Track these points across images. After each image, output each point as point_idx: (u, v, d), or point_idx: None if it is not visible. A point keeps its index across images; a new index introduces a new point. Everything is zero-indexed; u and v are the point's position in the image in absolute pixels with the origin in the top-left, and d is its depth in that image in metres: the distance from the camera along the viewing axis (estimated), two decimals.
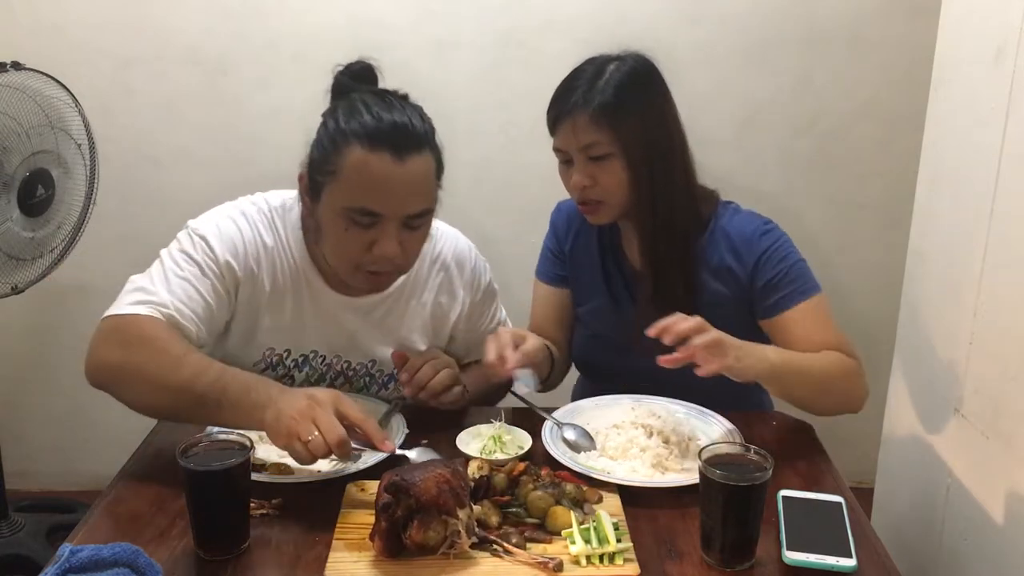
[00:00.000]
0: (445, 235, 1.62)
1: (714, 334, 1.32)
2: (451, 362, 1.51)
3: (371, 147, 1.32)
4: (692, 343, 1.29)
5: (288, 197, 1.52)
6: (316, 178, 1.38)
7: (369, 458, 1.32)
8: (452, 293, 1.60)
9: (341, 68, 1.44)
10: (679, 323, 1.31)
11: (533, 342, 1.48)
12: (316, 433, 1.18)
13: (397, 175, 1.33)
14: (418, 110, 1.41)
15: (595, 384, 1.69)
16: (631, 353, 1.45)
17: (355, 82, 1.43)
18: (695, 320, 1.32)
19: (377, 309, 1.54)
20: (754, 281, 1.55)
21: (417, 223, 1.39)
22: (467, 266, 1.62)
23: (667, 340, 1.30)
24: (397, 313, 1.56)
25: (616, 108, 1.48)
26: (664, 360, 1.30)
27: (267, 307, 1.49)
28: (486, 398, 1.62)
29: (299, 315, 1.51)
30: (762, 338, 1.57)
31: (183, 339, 1.35)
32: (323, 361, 1.54)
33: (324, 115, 1.40)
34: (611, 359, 1.67)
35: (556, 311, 1.75)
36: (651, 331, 1.31)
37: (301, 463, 1.21)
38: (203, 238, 1.43)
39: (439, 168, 1.41)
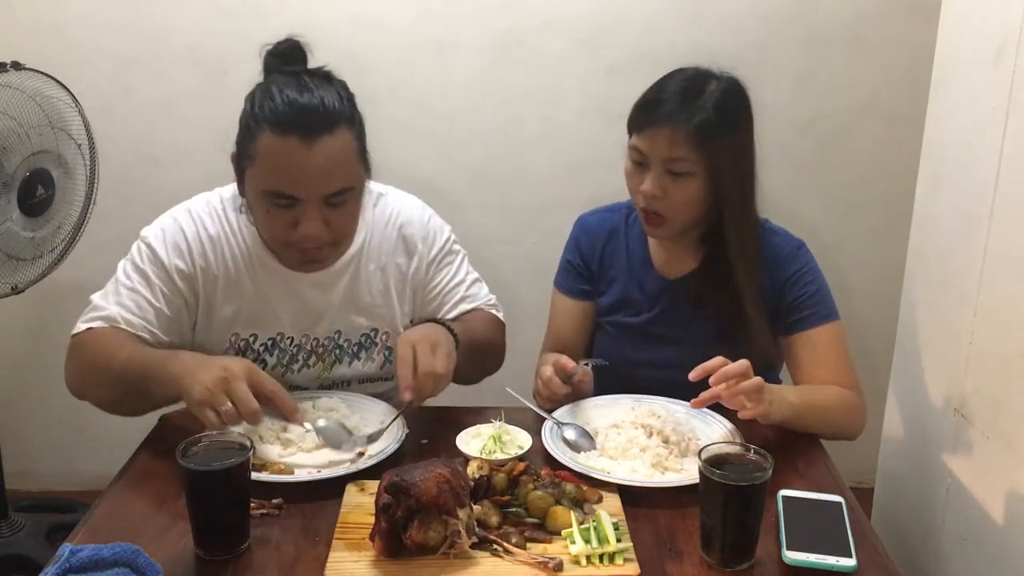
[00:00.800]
0: (397, 199, 1.63)
1: (758, 380, 1.35)
2: (437, 345, 1.40)
3: (280, 132, 1.34)
4: (739, 387, 1.33)
5: None
6: (240, 162, 1.42)
7: (369, 459, 1.32)
8: (408, 253, 1.61)
9: (269, 47, 1.45)
10: (724, 366, 1.34)
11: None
12: (230, 404, 1.25)
13: (307, 159, 1.34)
14: (338, 87, 1.41)
15: (616, 385, 1.67)
16: (666, 365, 1.51)
17: (282, 62, 1.44)
18: (741, 364, 1.34)
19: (337, 282, 1.55)
20: (781, 299, 1.59)
21: (338, 200, 1.40)
22: (420, 225, 1.62)
23: (712, 380, 1.33)
24: (359, 282, 1.56)
25: (713, 131, 1.47)
26: (696, 402, 1.35)
27: (224, 294, 1.51)
28: (485, 353, 1.63)
29: (260, 298, 1.52)
30: (780, 355, 1.62)
31: (125, 336, 1.43)
32: (292, 343, 1.55)
33: (246, 98, 1.42)
34: (636, 370, 1.65)
35: (577, 323, 1.75)
36: (693, 374, 1.35)
37: (212, 429, 1.25)
38: (149, 246, 1.49)
39: (360, 143, 1.43)
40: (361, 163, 1.43)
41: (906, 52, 2.47)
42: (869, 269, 2.66)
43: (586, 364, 1.55)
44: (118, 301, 1.46)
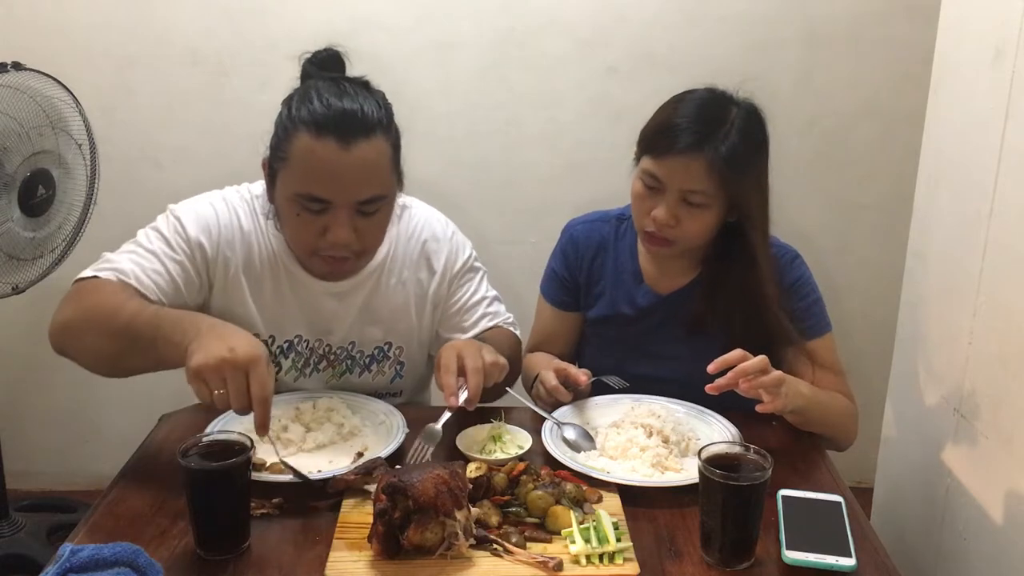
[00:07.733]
0: (421, 212, 1.62)
1: (778, 374, 1.35)
2: (481, 346, 1.40)
3: (317, 134, 1.33)
4: (760, 381, 1.32)
5: None
6: (272, 165, 1.41)
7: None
8: (431, 269, 1.60)
9: (308, 55, 1.45)
10: (744, 360, 1.33)
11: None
12: (223, 390, 1.16)
13: (343, 161, 1.34)
14: (377, 96, 1.41)
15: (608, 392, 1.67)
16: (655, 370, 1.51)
17: (320, 70, 1.44)
18: (761, 360, 1.34)
19: (356, 293, 1.54)
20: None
21: (370, 209, 1.39)
22: (443, 240, 1.61)
23: (730, 375, 1.32)
24: (378, 295, 1.56)
25: (738, 164, 1.44)
26: (712, 388, 1.33)
27: (246, 292, 1.50)
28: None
29: (280, 301, 1.52)
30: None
31: (135, 291, 1.38)
32: (307, 346, 1.55)
33: (283, 102, 1.42)
34: (635, 384, 1.61)
35: (560, 331, 1.75)
36: (712, 367, 1.33)
37: (201, 400, 1.21)
38: (177, 218, 1.48)
39: (395, 153, 1.42)
40: (394, 174, 1.42)
41: (906, 52, 2.47)
42: (869, 269, 2.65)
43: (595, 378, 1.53)
44: (132, 259, 1.42)
